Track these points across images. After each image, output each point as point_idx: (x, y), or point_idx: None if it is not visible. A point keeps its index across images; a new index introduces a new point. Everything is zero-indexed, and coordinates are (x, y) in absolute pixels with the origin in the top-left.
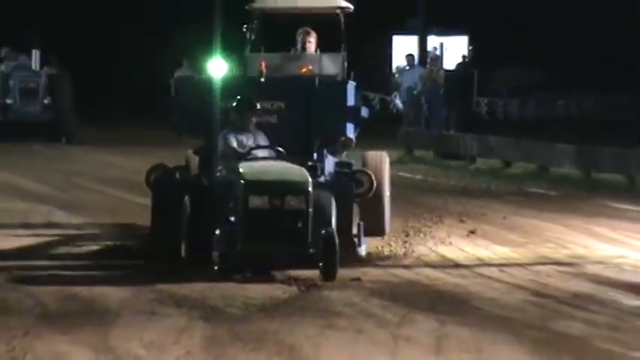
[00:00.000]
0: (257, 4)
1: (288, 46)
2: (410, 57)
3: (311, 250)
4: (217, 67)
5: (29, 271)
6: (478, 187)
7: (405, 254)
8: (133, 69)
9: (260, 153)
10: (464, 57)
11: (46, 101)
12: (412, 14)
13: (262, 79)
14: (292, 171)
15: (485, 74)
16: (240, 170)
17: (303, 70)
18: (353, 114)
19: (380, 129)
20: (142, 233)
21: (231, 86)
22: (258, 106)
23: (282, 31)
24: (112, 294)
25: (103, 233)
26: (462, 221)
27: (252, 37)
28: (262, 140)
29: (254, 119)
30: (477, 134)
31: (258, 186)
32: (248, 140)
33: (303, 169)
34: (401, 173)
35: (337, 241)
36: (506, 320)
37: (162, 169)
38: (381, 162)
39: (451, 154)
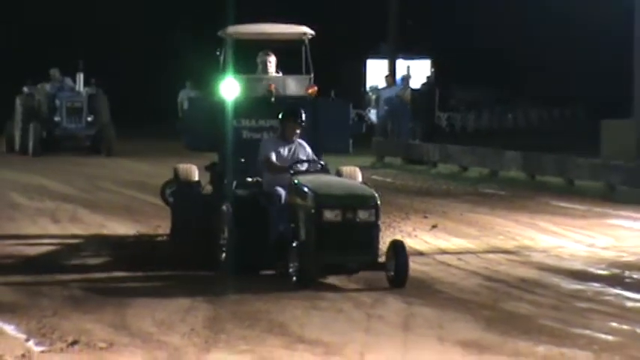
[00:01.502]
0: (229, 30)
1: (252, 69)
2: (389, 77)
3: (380, 260)
4: (229, 88)
5: (58, 261)
6: (439, 188)
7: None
8: (151, 88)
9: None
10: (428, 77)
11: (89, 119)
12: (384, 40)
13: (273, 99)
14: (357, 185)
15: (446, 92)
16: (302, 183)
17: (309, 90)
18: (355, 131)
19: (355, 139)
20: (153, 240)
21: (242, 106)
22: (303, 117)
23: (247, 54)
24: (129, 280)
25: (123, 234)
26: (425, 217)
27: (225, 61)
28: (302, 152)
29: (298, 130)
30: (439, 143)
31: (332, 200)
32: (289, 151)
33: (362, 183)
34: (374, 177)
35: (406, 249)
36: (464, 301)
37: (176, 183)
38: (356, 177)
39: (416, 160)
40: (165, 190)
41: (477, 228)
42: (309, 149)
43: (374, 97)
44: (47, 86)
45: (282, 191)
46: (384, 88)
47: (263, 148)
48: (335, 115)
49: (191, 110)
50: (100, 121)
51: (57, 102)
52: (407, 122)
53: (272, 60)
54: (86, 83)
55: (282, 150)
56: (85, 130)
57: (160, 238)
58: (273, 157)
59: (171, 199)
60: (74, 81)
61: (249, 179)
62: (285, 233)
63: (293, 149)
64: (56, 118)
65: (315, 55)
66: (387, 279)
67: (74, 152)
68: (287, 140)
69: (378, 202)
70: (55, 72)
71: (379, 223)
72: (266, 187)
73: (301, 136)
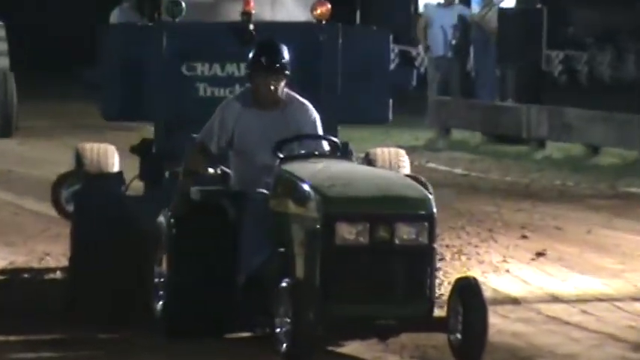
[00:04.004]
0: None
1: None
2: None
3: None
4: (173, 9)
5: None
6: (549, 185)
7: (438, 288)
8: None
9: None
10: None
11: None
12: None
13: (251, 27)
14: (399, 180)
15: (560, 15)
16: (299, 177)
17: (318, 11)
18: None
19: (399, 98)
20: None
21: (197, 40)
22: (286, 60)
23: None
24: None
25: None
26: (524, 237)
27: None
28: (295, 124)
29: (277, 86)
30: (548, 105)
31: (352, 206)
32: (267, 126)
33: (408, 177)
34: (432, 165)
35: (484, 296)
36: None
37: (80, 176)
38: (398, 165)
39: (509, 136)
40: (61, 191)
41: (617, 257)
42: (314, 117)
43: (423, 23)
44: None
45: (264, 192)
46: (438, 6)
47: (210, 121)
48: (363, 56)
49: (108, 49)
50: None
51: None
52: (491, 68)
53: None
54: None
55: (254, 126)
56: None
57: (50, 275)
58: (214, 145)
59: (70, 206)
60: None
61: (211, 170)
62: (267, 265)
63: (277, 123)
64: None
65: None
66: (450, 347)
67: None
68: (264, 106)
69: (434, 210)
70: None
71: (435, 246)
72: (237, 184)
73: (300, 93)
